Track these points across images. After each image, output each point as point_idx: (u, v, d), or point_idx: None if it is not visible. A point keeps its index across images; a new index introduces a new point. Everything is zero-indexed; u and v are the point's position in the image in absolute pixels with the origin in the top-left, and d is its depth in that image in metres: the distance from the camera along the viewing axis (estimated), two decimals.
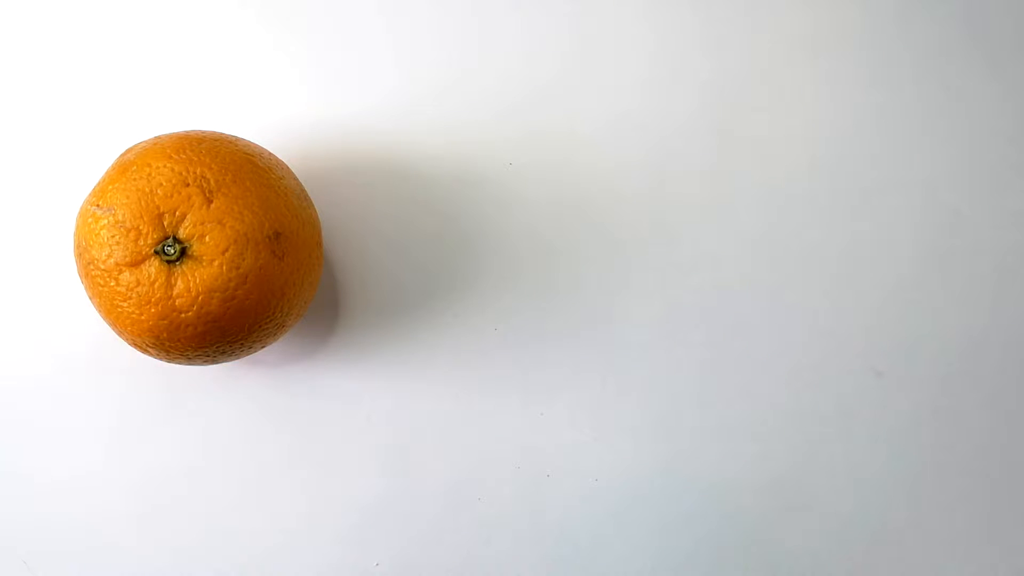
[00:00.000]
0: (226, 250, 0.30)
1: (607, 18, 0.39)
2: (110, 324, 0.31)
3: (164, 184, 0.30)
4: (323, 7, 0.38)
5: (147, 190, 0.30)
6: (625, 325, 0.38)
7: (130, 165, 0.31)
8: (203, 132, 0.33)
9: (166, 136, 0.32)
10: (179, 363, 0.32)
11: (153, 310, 0.29)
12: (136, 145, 0.32)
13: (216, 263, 0.30)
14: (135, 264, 0.29)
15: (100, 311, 0.31)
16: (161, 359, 0.32)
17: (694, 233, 0.39)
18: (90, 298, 0.31)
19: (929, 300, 0.39)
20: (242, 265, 0.30)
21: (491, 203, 0.38)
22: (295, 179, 0.34)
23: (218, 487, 0.38)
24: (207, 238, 0.30)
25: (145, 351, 0.32)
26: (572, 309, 0.38)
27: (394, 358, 0.38)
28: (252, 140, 0.35)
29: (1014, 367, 0.39)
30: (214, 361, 0.33)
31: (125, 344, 0.33)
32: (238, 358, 0.33)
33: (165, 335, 0.30)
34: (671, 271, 0.39)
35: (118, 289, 0.30)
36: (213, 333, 0.30)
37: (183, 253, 0.30)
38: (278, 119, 0.38)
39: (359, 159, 0.38)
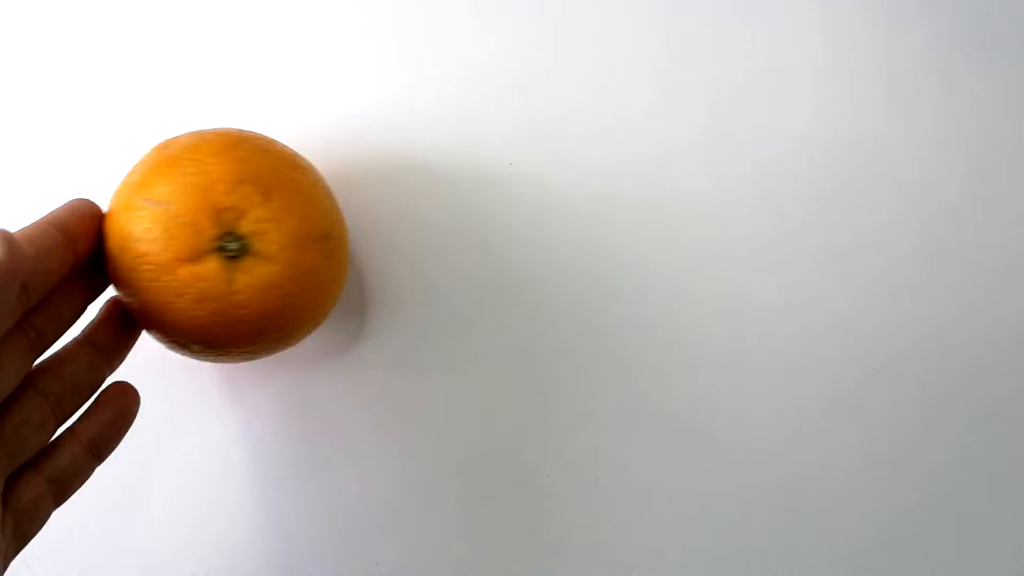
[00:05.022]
0: (286, 248, 0.30)
1: (608, 18, 0.38)
2: (150, 321, 0.30)
3: (222, 180, 0.29)
4: (333, 9, 0.38)
5: (204, 185, 0.29)
6: (625, 325, 0.38)
7: (179, 160, 0.30)
8: (243, 131, 0.32)
9: (209, 132, 0.32)
10: (218, 361, 0.32)
11: (212, 306, 0.29)
12: (172, 141, 0.31)
13: (276, 260, 0.30)
14: (194, 259, 0.29)
15: (145, 308, 0.30)
16: (197, 357, 0.32)
17: (694, 233, 0.38)
18: (132, 294, 0.30)
19: (929, 300, 0.38)
20: (299, 263, 0.30)
21: (492, 203, 0.38)
22: (325, 181, 0.34)
23: (221, 487, 0.37)
24: (267, 235, 0.30)
25: (184, 348, 0.31)
26: (572, 309, 0.38)
27: (399, 361, 0.38)
28: None
29: (1014, 367, 0.39)
30: (252, 358, 0.32)
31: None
32: (270, 355, 0.33)
33: (219, 331, 0.30)
34: (671, 271, 0.38)
35: (173, 284, 0.29)
36: (267, 330, 0.30)
37: (244, 250, 0.29)
38: (287, 121, 0.38)
39: (360, 159, 0.38)
